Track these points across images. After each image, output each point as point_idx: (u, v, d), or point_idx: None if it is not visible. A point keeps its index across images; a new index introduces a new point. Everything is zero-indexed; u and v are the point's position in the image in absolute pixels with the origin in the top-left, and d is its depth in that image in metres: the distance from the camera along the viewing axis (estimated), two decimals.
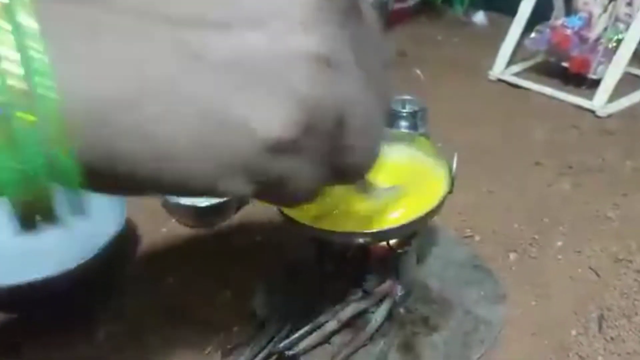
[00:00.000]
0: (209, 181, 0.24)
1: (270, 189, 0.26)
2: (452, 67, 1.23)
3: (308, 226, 0.53)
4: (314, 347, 0.57)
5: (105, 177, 0.22)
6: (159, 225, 0.77)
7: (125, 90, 0.21)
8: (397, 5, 1.40)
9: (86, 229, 0.61)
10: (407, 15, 1.44)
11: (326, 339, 0.58)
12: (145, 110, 0.21)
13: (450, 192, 0.55)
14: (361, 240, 0.54)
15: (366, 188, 0.48)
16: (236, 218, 0.78)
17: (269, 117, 0.23)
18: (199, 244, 0.74)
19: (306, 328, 0.57)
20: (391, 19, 1.38)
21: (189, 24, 0.22)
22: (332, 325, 0.58)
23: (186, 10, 0.23)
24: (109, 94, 0.21)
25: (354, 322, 0.59)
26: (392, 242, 0.58)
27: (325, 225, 0.53)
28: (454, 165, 0.55)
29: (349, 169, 0.29)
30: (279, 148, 0.24)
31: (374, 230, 0.52)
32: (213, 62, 0.22)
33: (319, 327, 0.58)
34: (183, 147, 0.22)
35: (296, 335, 0.57)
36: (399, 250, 0.58)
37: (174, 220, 0.78)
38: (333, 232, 0.52)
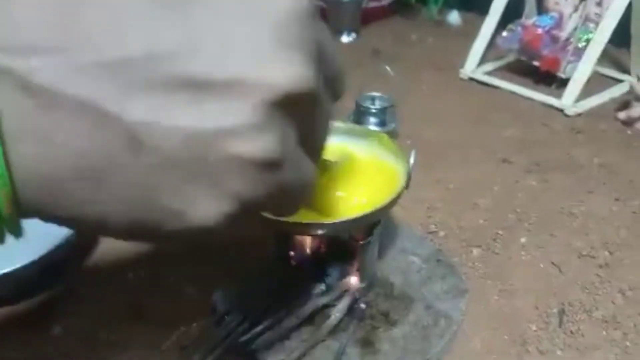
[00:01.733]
0: (137, 240, 0.27)
1: None
2: (425, 65, 1.23)
3: (265, 217, 0.52)
4: (273, 342, 0.56)
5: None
6: None
7: (68, 170, 0.22)
8: (372, 4, 1.40)
9: (42, 226, 0.60)
10: (382, 14, 1.44)
11: (285, 335, 0.57)
12: (82, 190, 0.22)
13: (406, 187, 0.55)
14: (319, 231, 0.53)
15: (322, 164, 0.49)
16: None
17: (203, 211, 0.24)
18: None
19: (265, 324, 0.57)
20: (365, 17, 1.38)
21: (142, 110, 0.22)
22: (291, 321, 0.57)
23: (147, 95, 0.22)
24: (53, 172, 0.22)
25: (314, 318, 0.59)
26: (353, 234, 0.58)
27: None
28: (411, 161, 0.55)
29: (284, 214, 0.31)
30: (207, 231, 0.25)
31: (330, 222, 0.52)
32: (158, 155, 0.22)
33: (278, 322, 0.57)
34: (114, 222, 0.24)
35: (255, 330, 0.56)
36: (360, 242, 0.57)
37: None
38: (290, 223, 0.52)
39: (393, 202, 0.54)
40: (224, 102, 0.23)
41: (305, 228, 0.53)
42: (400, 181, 0.56)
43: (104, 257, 0.71)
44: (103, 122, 0.21)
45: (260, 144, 0.23)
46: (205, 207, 0.24)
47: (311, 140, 0.29)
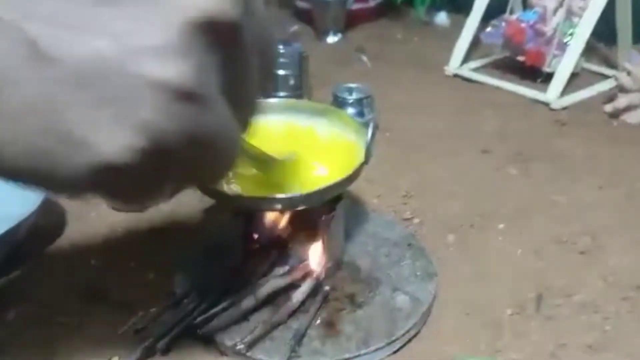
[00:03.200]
0: (36, 181, 0.24)
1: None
2: (409, 63, 1.22)
3: (220, 193, 0.51)
4: (231, 324, 0.54)
5: None
6: (89, 209, 0.74)
7: None
8: (358, 5, 1.39)
9: None
10: (368, 16, 1.43)
11: (244, 317, 0.55)
12: None
13: (365, 162, 0.53)
14: (276, 206, 0.51)
15: (264, 164, 0.47)
16: (170, 203, 0.75)
17: (111, 142, 0.22)
18: (127, 227, 0.71)
19: (222, 305, 0.55)
20: (352, 19, 1.36)
21: (44, 18, 0.20)
22: (249, 302, 0.55)
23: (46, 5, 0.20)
24: None
25: (275, 300, 0.56)
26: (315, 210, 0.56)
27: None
28: (369, 137, 0.54)
29: (197, 181, 0.30)
30: (115, 169, 0.23)
31: (286, 196, 0.50)
32: (61, 69, 0.20)
33: (236, 304, 0.55)
34: (8, 149, 0.22)
35: (211, 312, 0.54)
36: (323, 217, 0.55)
37: (105, 204, 0.75)
38: (244, 197, 0.50)
39: (352, 176, 0.52)
40: (140, 19, 0.21)
41: (261, 202, 0.51)
42: (360, 157, 0.54)
43: (68, 243, 0.69)
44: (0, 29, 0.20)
45: (175, 68, 0.21)
46: (111, 137, 0.22)
47: (236, 93, 0.27)
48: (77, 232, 0.71)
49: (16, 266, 0.64)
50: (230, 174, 0.47)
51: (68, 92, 0.21)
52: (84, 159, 0.22)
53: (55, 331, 0.57)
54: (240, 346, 0.52)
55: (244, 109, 0.29)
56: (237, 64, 0.26)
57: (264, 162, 0.48)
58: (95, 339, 0.56)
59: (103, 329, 0.57)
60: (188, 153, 0.24)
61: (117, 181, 0.23)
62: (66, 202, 0.75)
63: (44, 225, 0.68)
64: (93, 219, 0.73)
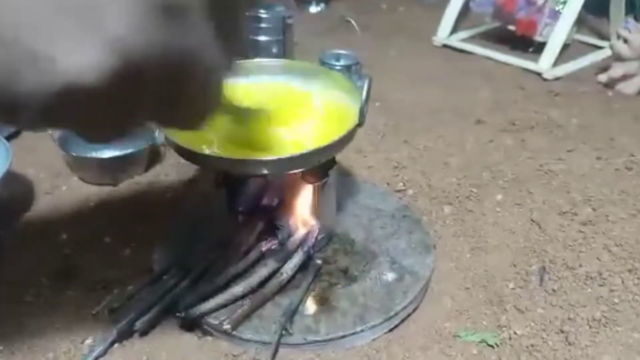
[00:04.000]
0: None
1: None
2: (396, 34, 1.18)
3: (200, 155, 0.46)
4: (219, 308, 0.49)
5: None
6: (59, 183, 0.69)
7: None
8: None
9: None
10: None
11: (234, 301, 0.50)
12: None
13: (360, 124, 0.49)
14: (263, 170, 0.47)
15: (235, 111, 0.43)
16: (147, 175, 0.70)
17: (77, 58, 0.18)
18: (101, 200, 0.66)
19: (208, 285, 0.50)
20: None
21: None
22: (241, 288, 0.50)
23: None
24: None
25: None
26: (307, 178, 0.51)
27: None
28: (364, 96, 0.49)
29: (182, 116, 0.26)
30: (81, 91, 0.19)
31: (274, 158, 0.45)
32: None
33: (225, 288, 0.50)
34: None
35: (195, 290, 0.50)
36: (315, 183, 0.51)
37: (76, 177, 0.69)
38: (228, 160, 0.45)
39: (345, 138, 0.47)
40: None
41: (246, 165, 0.47)
42: (354, 118, 0.49)
43: (38, 218, 0.64)
44: None
45: None
46: (77, 53, 0.18)
47: (223, 20, 0.24)
48: (47, 206, 0.65)
49: None
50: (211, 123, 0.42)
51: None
52: (47, 78, 0.18)
53: (24, 311, 0.52)
54: (226, 325, 0.47)
55: (231, 41, 0.25)
56: None
57: (239, 113, 0.44)
58: (68, 319, 0.51)
59: (76, 308, 0.52)
60: (165, 78, 0.21)
61: (83, 107, 0.20)
62: (34, 175, 0.70)
63: (7, 199, 0.63)
64: (64, 192, 0.68)
